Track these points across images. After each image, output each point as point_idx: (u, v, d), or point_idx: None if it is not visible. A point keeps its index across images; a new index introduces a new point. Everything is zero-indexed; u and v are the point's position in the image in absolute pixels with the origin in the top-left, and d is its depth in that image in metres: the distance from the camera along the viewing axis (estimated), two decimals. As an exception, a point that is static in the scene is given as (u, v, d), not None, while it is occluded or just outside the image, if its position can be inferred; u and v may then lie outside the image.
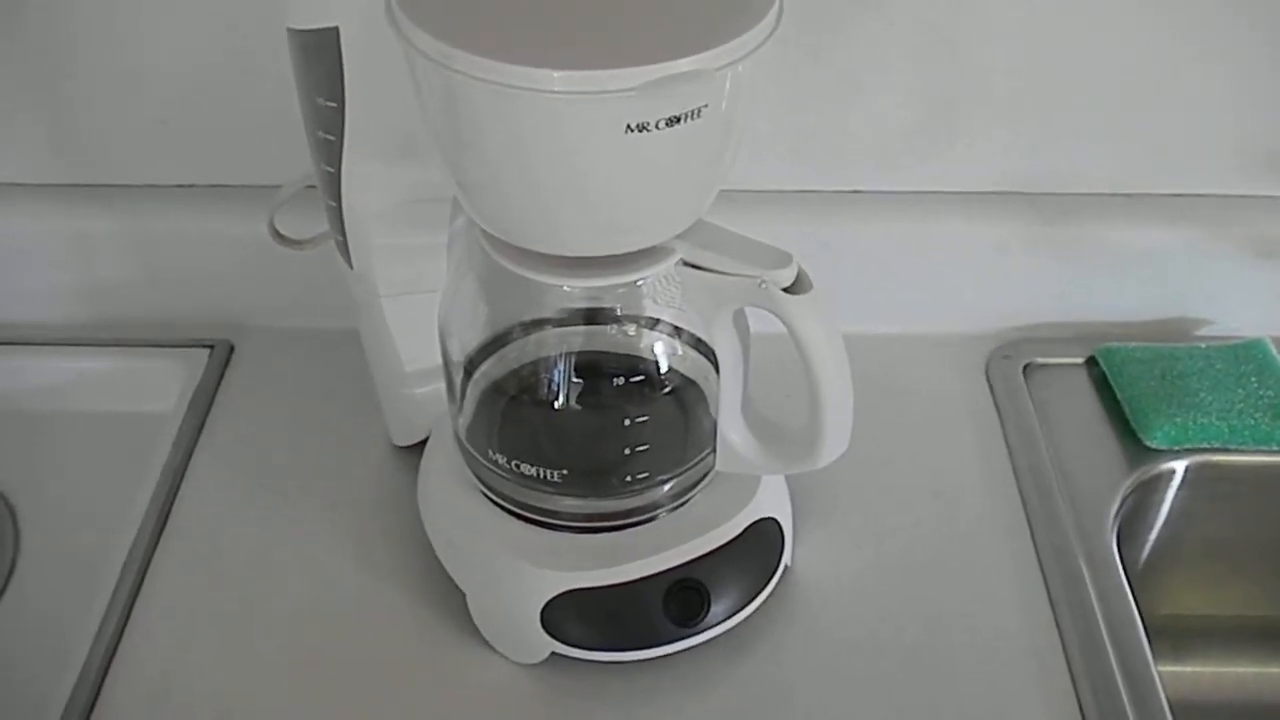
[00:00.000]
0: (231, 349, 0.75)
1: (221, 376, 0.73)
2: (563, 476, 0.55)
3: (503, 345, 0.57)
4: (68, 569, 0.63)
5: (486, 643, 0.58)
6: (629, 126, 0.41)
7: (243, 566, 0.62)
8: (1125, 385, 0.70)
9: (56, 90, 0.70)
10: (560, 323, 0.57)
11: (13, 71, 0.69)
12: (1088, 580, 0.61)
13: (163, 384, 0.72)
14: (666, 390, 0.56)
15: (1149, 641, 0.59)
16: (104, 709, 0.56)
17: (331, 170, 0.55)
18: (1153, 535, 0.71)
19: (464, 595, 0.59)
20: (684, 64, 0.40)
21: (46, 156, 0.73)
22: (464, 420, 0.58)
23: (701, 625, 0.56)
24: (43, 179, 0.74)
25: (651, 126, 0.41)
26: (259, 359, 0.74)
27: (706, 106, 0.42)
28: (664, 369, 0.57)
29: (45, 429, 0.72)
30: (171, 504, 0.65)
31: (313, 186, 0.59)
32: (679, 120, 0.42)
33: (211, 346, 0.74)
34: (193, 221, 0.73)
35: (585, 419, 0.56)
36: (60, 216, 0.73)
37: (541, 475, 0.55)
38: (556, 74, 0.40)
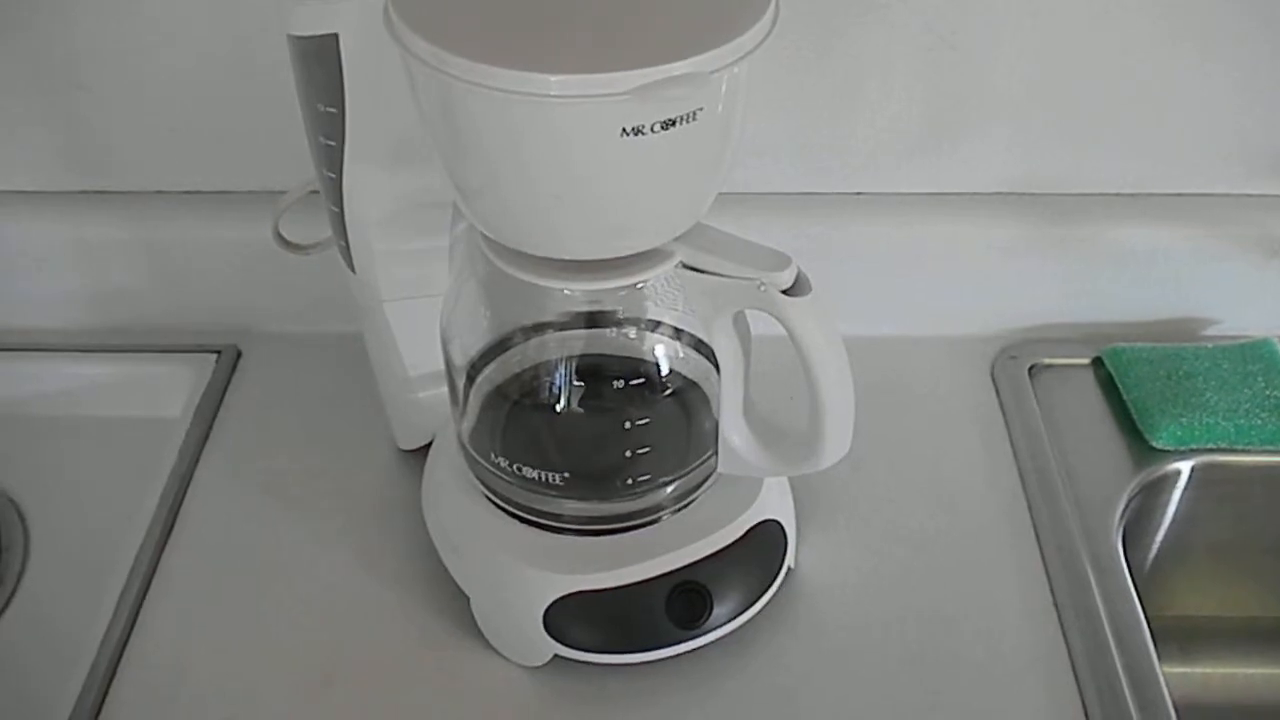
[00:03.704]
0: (238, 354, 0.75)
1: (228, 381, 0.73)
2: (565, 479, 0.55)
3: (505, 349, 0.58)
4: (76, 573, 0.64)
5: (489, 645, 0.58)
6: (624, 130, 0.41)
7: (249, 569, 0.63)
8: (1131, 386, 0.70)
9: (65, 98, 0.70)
10: (561, 326, 0.57)
11: (22, 80, 0.69)
12: (1093, 582, 0.61)
13: (170, 389, 0.73)
14: (668, 392, 0.56)
15: (1155, 643, 0.58)
16: (111, 712, 0.56)
17: (333, 176, 0.55)
18: (1159, 536, 0.71)
19: (467, 598, 0.59)
20: (678, 67, 0.40)
21: (54, 163, 0.73)
22: (467, 424, 0.58)
23: (704, 627, 0.56)
24: (51, 186, 0.74)
25: (647, 130, 0.42)
26: (265, 364, 0.75)
27: (702, 109, 0.42)
28: (665, 371, 0.57)
29: (53, 434, 0.73)
30: (179, 508, 0.66)
31: (316, 192, 0.59)
32: (674, 123, 0.42)
33: (218, 352, 0.75)
34: (199, 227, 0.73)
35: (587, 422, 0.57)
36: (68, 223, 0.74)
37: (544, 478, 0.56)
38: (552, 78, 0.40)
